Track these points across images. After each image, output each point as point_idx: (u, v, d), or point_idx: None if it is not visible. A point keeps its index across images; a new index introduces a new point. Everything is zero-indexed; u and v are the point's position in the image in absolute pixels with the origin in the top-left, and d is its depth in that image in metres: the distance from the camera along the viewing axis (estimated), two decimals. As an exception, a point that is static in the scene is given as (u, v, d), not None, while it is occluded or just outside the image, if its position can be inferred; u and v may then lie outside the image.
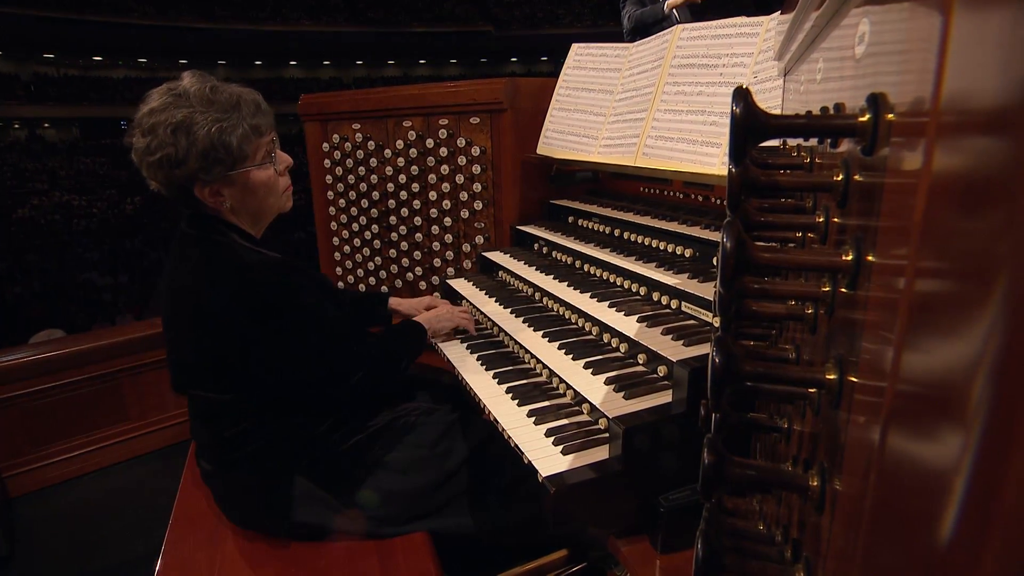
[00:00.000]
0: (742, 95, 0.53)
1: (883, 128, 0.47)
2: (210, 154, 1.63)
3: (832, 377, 0.54)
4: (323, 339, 1.77)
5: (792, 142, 1.04)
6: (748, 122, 0.53)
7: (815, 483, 0.57)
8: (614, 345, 1.80)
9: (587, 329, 1.95)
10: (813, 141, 0.83)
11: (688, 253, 1.99)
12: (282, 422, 1.77)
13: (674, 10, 4.47)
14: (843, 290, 0.55)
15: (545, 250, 2.57)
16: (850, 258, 0.51)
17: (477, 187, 2.79)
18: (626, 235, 2.30)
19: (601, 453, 1.46)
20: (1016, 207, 0.25)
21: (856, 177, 0.55)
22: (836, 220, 0.62)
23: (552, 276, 2.26)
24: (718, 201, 2.16)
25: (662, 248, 2.10)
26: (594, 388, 1.61)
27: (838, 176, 0.57)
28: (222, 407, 1.76)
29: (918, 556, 0.34)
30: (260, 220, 1.84)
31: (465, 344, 2.18)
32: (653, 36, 2.37)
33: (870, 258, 0.48)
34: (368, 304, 2.41)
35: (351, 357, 1.83)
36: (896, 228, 0.42)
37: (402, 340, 2.06)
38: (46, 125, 37.63)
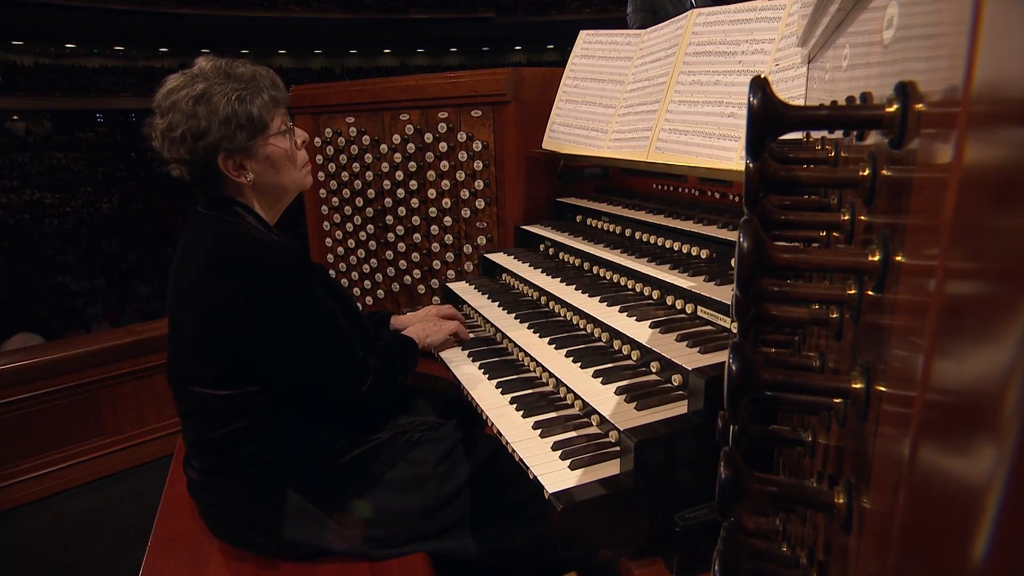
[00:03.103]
0: (760, 85, 0.53)
1: (912, 119, 0.47)
2: (232, 120, 1.74)
3: (858, 386, 0.54)
4: (332, 339, 1.80)
5: (816, 135, 1.05)
6: (766, 114, 0.53)
7: (841, 500, 0.57)
8: (625, 352, 1.81)
9: (596, 335, 1.95)
10: (838, 133, 0.83)
11: (704, 254, 1.99)
12: (279, 426, 1.79)
13: None
14: (870, 293, 0.55)
15: (551, 251, 2.58)
16: (877, 258, 0.51)
17: (479, 184, 2.79)
18: (638, 235, 2.30)
19: (612, 468, 1.46)
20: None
21: (884, 172, 0.55)
22: (863, 218, 0.62)
23: (559, 279, 2.26)
24: (736, 198, 2.16)
25: (676, 249, 2.11)
26: (604, 398, 1.61)
27: (864, 171, 0.57)
28: (216, 403, 1.77)
29: (951, 579, 0.34)
30: (280, 198, 1.95)
31: (467, 351, 2.19)
32: (667, 22, 2.37)
33: (899, 258, 0.48)
34: (369, 323, 2.41)
35: (361, 365, 1.85)
36: (926, 226, 0.42)
37: (396, 354, 2.07)
38: (15, 117, 37.83)
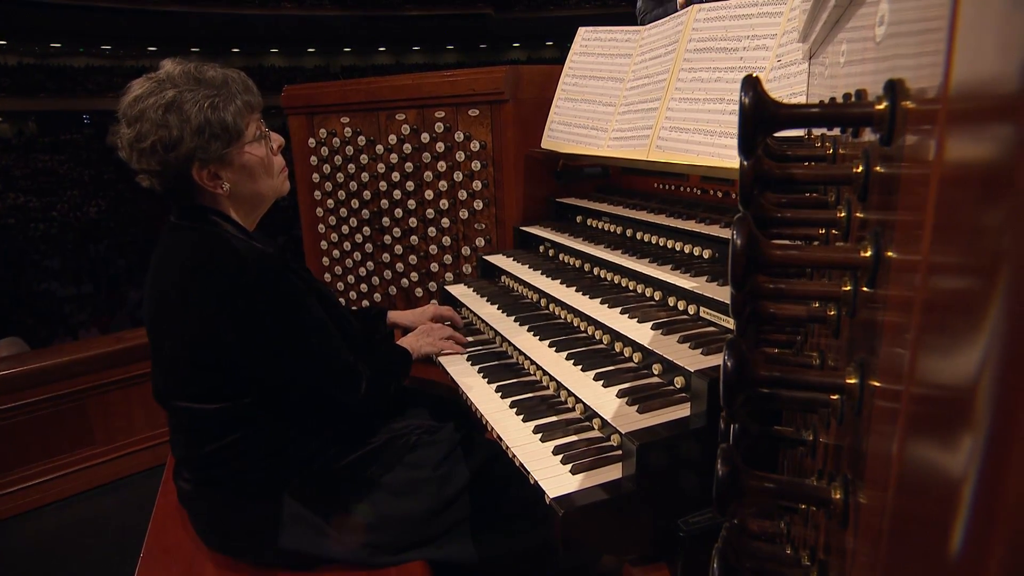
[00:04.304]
0: (751, 84, 0.55)
1: (900, 116, 0.49)
2: (205, 130, 1.69)
3: (853, 382, 0.56)
4: (324, 344, 1.81)
5: (816, 132, 1.07)
6: (757, 112, 0.55)
7: (838, 495, 0.59)
8: (627, 355, 1.82)
9: (597, 337, 1.97)
10: (836, 131, 0.85)
11: (707, 254, 2.01)
12: (274, 436, 1.79)
13: None
14: (864, 289, 0.56)
15: (551, 252, 2.60)
16: (868, 254, 0.53)
17: (477, 185, 2.81)
18: (639, 235, 2.32)
19: (614, 472, 1.48)
20: (1017, 200, 0.27)
21: (876, 168, 0.57)
22: (858, 215, 0.63)
23: (559, 281, 2.28)
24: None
25: (678, 249, 2.12)
26: (605, 401, 1.63)
27: (858, 168, 0.59)
28: (207, 418, 1.77)
29: (936, 573, 0.35)
30: (258, 206, 1.91)
31: (466, 355, 2.20)
32: (667, 18, 2.39)
33: (889, 254, 0.50)
34: (364, 320, 2.43)
35: (353, 370, 1.86)
36: (913, 222, 0.44)
37: (391, 362, 2.09)
38: (-1, 119, 37.85)
